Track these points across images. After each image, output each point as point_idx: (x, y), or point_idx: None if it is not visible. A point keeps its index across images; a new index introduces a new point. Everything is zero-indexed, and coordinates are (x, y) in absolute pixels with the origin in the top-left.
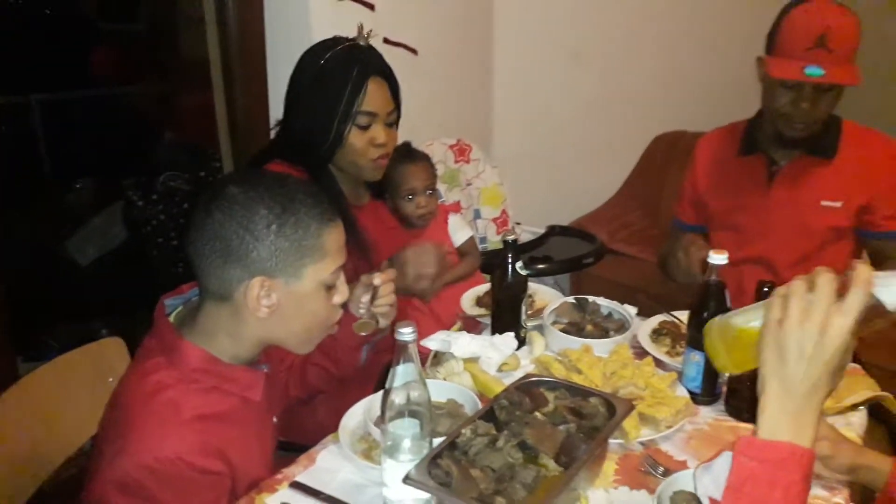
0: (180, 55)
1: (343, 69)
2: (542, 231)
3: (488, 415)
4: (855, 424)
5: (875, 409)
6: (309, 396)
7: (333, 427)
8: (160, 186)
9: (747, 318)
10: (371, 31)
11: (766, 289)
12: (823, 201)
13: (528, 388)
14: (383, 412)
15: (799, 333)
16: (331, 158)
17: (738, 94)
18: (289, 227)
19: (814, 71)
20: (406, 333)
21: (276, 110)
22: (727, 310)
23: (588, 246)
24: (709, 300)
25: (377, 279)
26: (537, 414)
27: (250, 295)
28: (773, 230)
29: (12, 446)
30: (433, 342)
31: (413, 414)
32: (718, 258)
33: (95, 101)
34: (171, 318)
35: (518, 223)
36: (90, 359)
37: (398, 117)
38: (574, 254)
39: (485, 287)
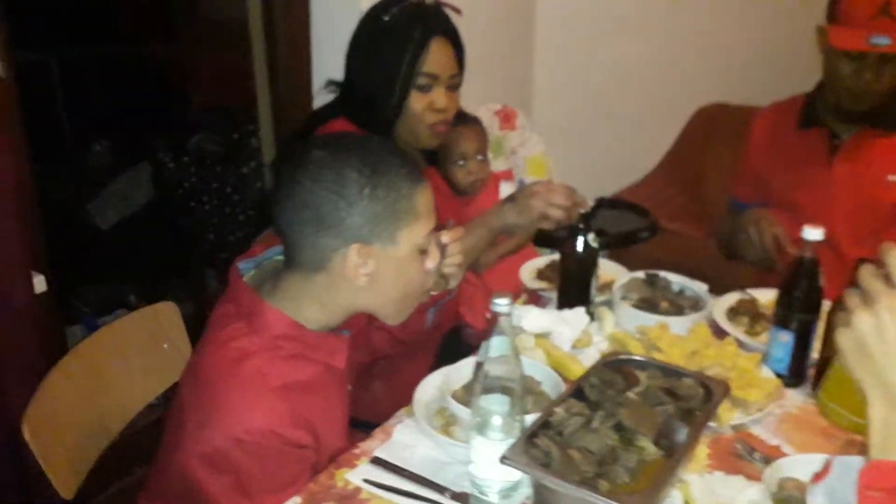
0: (212, 13)
1: (406, 27)
2: (590, 203)
3: (579, 393)
4: None
5: None
6: (372, 361)
7: (388, 401)
8: (192, 148)
9: None
10: None
11: (860, 263)
12: (890, 176)
13: (618, 367)
14: (475, 386)
15: (880, 332)
16: (394, 121)
17: (784, 67)
18: (381, 190)
19: (879, 40)
20: (501, 304)
21: (319, 71)
22: (820, 289)
23: (639, 219)
24: (801, 278)
25: (445, 237)
26: (630, 394)
27: (348, 263)
28: (835, 207)
29: (75, 412)
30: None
31: (505, 390)
32: (813, 233)
33: (119, 60)
34: (246, 282)
35: None
36: (145, 324)
37: (461, 82)
38: (625, 228)
39: (543, 260)
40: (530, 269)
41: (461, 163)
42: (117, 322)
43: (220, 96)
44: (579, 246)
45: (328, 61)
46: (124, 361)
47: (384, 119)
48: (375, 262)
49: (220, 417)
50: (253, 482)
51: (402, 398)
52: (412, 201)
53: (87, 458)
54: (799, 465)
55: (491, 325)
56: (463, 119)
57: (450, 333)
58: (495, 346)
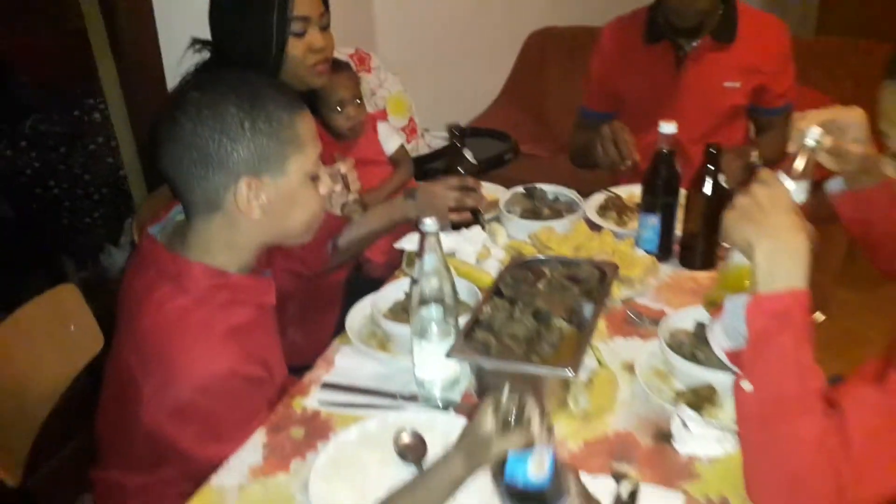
0: None
1: None
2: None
3: (498, 293)
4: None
5: None
6: (282, 305)
7: (306, 347)
8: (29, 132)
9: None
10: None
11: (712, 150)
12: (725, 83)
13: (524, 266)
14: (411, 300)
15: (755, 200)
16: (278, 72)
17: None
18: (262, 122)
19: None
20: (429, 225)
21: (165, 34)
22: (678, 175)
23: (501, 144)
24: (661, 167)
25: (343, 167)
26: (539, 286)
27: (240, 198)
28: (681, 112)
29: None
30: (407, 243)
31: (438, 300)
32: (668, 127)
33: None
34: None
35: (426, 129)
36: (48, 309)
37: (329, 21)
38: (492, 152)
39: None
40: (431, 223)
41: (339, 109)
42: (20, 311)
43: (52, 74)
44: (461, 163)
45: (174, 22)
46: (34, 348)
47: (266, 72)
48: (267, 194)
49: (180, 373)
50: (221, 423)
51: (318, 343)
52: (295, 129)
53: (21, 445)
54: (682, 318)
55: (421, 245)
56: (336, 66)
57: (352, 271)
58: (427, 262)
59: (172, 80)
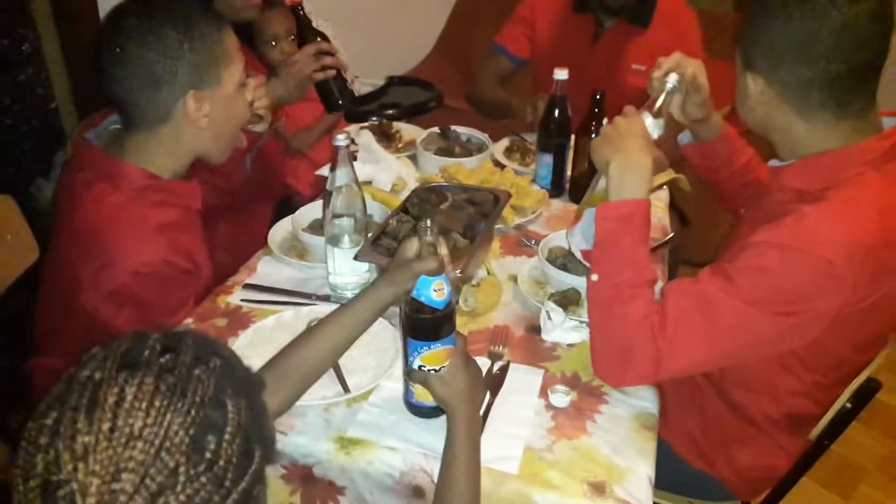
0: None
1: None
2: (381, 83)
3: (405, 210)
4: (662, 198)
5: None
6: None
7: (232, 264)
8: None
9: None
10: None
11: (597, 96)
12: (634, 65)
13: (431, 190)
14: (325, 211)
15: (615, 127)
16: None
17: None
18: (197, 41)
19: None
20: (340, 140)
21: None
22: (569, 118)
23: (426, 93)
24: (555, 110)
25: (252, 82)
26: (442, 206)
27: (189, 110)
28: (590, 84)
29: None
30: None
31: (350, 210)
32: (561, 74)
33: None
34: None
35: (357, 76)
36: None
37: None
38: (416, 100)
39: (352, 128)
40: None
41: (273, 44)
42: None
43: None
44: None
45: None
46: None
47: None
48: (210, 104)
49: (115, 259)
50: (152, 308)
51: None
52: (224, 44)
53: None
54: (558, 238)
55: (334, 159)
56: (270, 3)
57: (280, 202)
58: (339, 176)
59: (105, 11)
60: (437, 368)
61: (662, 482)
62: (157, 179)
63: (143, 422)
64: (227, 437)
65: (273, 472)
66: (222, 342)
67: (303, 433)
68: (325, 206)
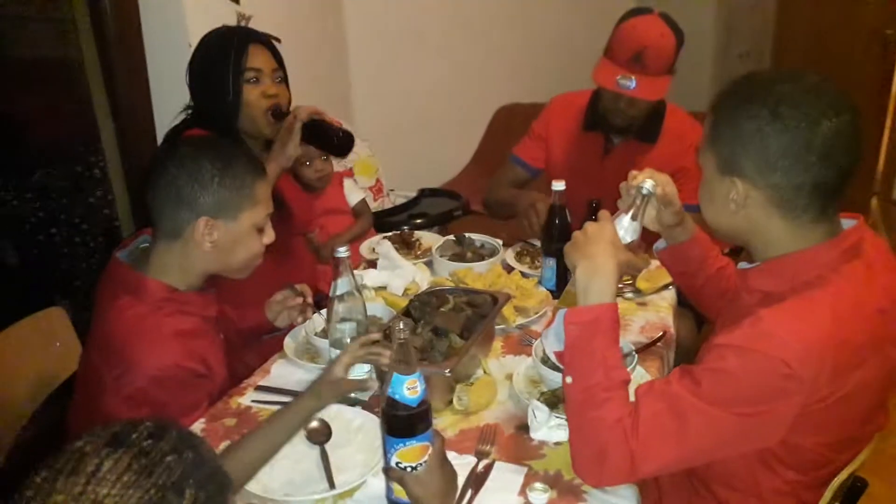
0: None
1: (227, 40)
2: (414, 194)
3: (407, 313)
4: (667, 297)
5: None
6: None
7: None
8: (35, 184)
9: None
10: (250, 16)
11: (594, 204)
12: None
13: (433, 293)
14: (329, 316)
15: (584, 233)
16: (236, 117)
17: (565, 69)
18: (228, 180)
19: (626, 83)
20: (342, 252)
21: (158, 102)
22: (569, 224)
23: (455, 203)
24: (556, 217)
25: (269, 230)
26: (442, 309)
27: (197, 232)
28: (604, 197)
29: None
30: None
31: (351, 317)
32: (559, 185)
33: None
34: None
35: (392, 189)
36: (35, 327)
37: (286, 76)
38: (443, 209)
39: (375, 238)
40: (367, 245)
41: (308, 163)
42: (13, 326)
43: (59, 133)
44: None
45: (165, 89)
46: (24, 358)
47: (227, 115)
48: (220, 234)
49: (135, 365)
50: (167, 409)
51: None
52: (253, 191)
53: (7, 437)
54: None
55: (335, 269)
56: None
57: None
58: (341, 284)
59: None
60: (414, 465)
61: None
62: (174, 292)
63: (108, 491)
64: None
65: None
66: (206, 443)
67: None
68: (329, 311)
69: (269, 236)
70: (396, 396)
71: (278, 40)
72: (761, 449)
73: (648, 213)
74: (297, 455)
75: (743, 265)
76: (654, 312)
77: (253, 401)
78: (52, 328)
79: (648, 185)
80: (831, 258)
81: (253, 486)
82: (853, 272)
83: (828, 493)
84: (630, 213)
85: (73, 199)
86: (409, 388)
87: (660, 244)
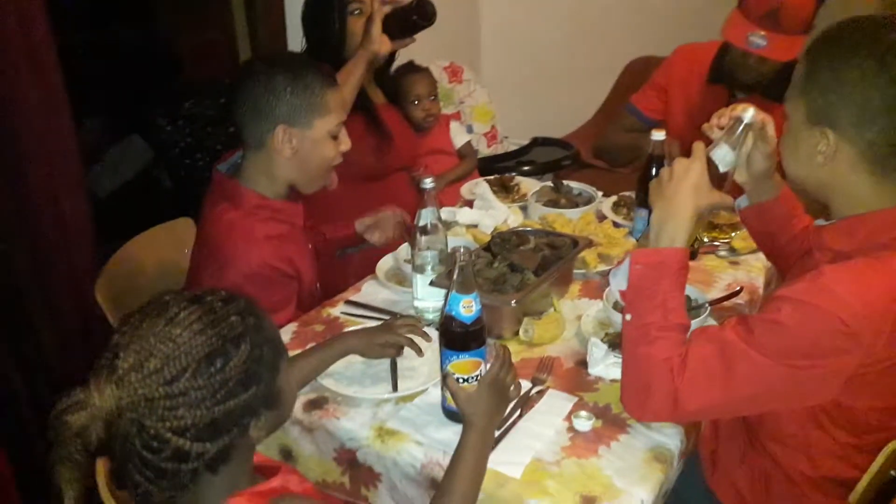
0: None
1: None
2: (526, 142)
3: (487, 248)
4: (762, 258)
5: None
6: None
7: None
8: (186, 113)
9: None
10: None
11: None
12: None
13: (514, 232)
14: (412, 244)
15: (670, 172)
16: (344, 47)
17: (701, 23)
18: (300, 89)
19: (757, 41)
20: (428, 183)
21: (293, 38)
22: None
23: (565, 152)
24: (651, 167)
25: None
26: (521, 247)
27: (276, 140)
28: None
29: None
30: (444, 213)
31: (433, 246)
32: (658, 135)
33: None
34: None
35: (506, 136)
36: (169, 233)
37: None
38: (550, 158)
39: (477, 181)
40: (467, 187)
41: (416, 102)
42: (147, 232)
43: (208, 67)
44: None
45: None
46: (158, 260)
47: (334, 46)
48: (297, 141)
49: (229, 262)
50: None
51: None
52: (324, 98)
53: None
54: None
55: (423, 200)
56: (416, 68)
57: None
58: (425, 214)
59: None
60: (466, 378)
61: None
62: (265, 200)
63: (180, 332)
64: (231, 365)
65: (327, 455)
66: (269, 318)
67: (352, 420)
68: (412, 240)
69: (346, 144)
70: (453, 313)
71: None
72: (813, 407)
73: (746, 146)
74: (371, 363)
75: (819, 222)
76: (745, 272)
77: (342, 312)
78: (183, 236)
79: (750, 113)
80: None
81: (326, 381)
82: None
83: (880, 458)
84: (729, 143)
85: (216, 128)
86: (465, 307)
87: (742, 201)
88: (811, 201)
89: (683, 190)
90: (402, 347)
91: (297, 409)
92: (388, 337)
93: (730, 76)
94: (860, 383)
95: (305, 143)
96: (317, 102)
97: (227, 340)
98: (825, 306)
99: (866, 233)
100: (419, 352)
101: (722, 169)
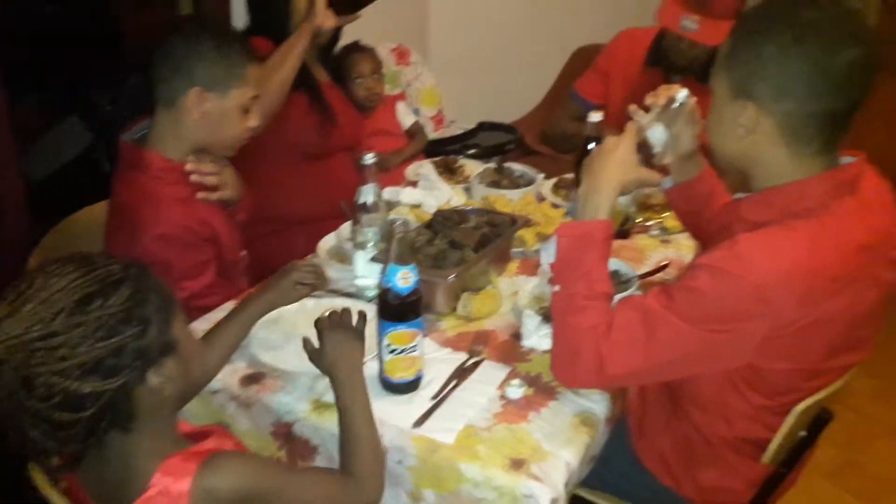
0: None
1: None
2: (472, 126)
3: (428, 226)
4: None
5: None
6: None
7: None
8: (128, 91)
9: None
10: None
11: None
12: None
13: (455, 210)
14: (354, 219)
15: (600, 148)
16: (288, 24)
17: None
18: (223, 55)
19: (689, 25)
20: (368, 158)
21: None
22: None
23: (510, 136)
24: (588, 149)
25: (255, 110)
26: (462, 225)
27: (189, 100)
28: None
29: None
30: (387, 193)
31: (374, 221)
32: (595, 116)
33: (44, 19)
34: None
35: (453, 120)
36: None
37: None
38: (495, 142)
39: (422, 162)
40: (412, 168)
41: (359, 80)
42: (82, 211)
43: (149, 46)
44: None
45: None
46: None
47: (279, 23)
48: (210, 105)
49: (141, 226)
50: (174, 269)
51: None
52: (244, 71)
53: None
54: None
55: (362, 176)
56: (360, 48)
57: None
58: (364, 192)
59: None
60: (403, 348)
61: (633, 495)
62: (172, 163)
63: (57, 280)
64: (110, 304)
65: (264, 430)
66: (156, 275)
67: (289, 394)
68: (354, 217)
69: (255, 119)
70: (390, 284)
71: None
72: (730, 371)
73: (676, 126)
74: (312, 333)
75: (738, 196)
76: (675, 250)
77: None
78: None
79: (683, 93)
80: (823, 191)
81: (264, 356)
82: (842, 207)
83: (790, 418)
84: (664, 122)
85: None
86: (402, 278)
87: (666, 182)
88: (733, 181)
89: (609, 165)
90: (312, 285)
91: (234, 383)
92: (294, 274)
93: (666, 59)
94: (772, 346)
95: (217, 109)
96: (237, 73)
97: (106, 284)
98: (738, 272)
99: (781, 203)
100: (324, 283)
101: (657, 148)
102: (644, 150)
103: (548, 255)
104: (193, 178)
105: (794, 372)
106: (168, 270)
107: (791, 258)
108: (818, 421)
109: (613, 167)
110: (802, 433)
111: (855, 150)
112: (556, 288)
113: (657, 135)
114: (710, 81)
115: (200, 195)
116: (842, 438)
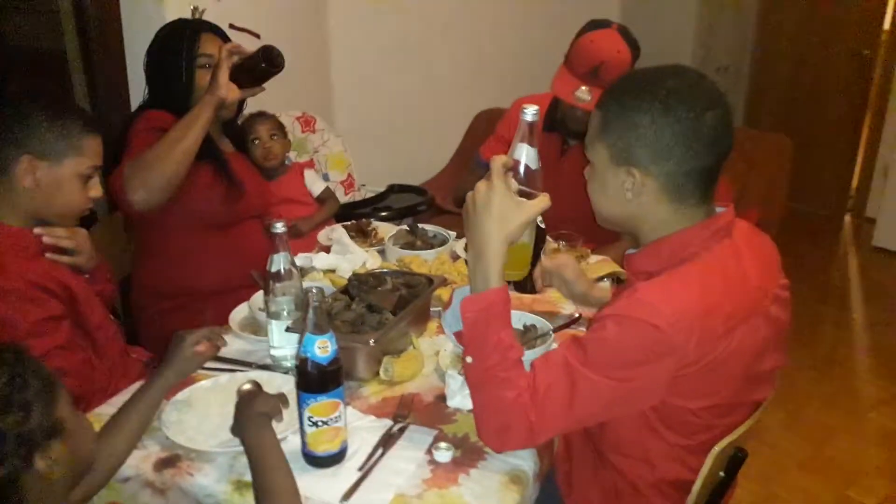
0: (24, 42)
1: (180, 30)
2: (382, 189)
3: (344, 291)
4: (605, 287)
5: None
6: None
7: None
8: None
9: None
10: (203, 9)
11: None
12: None
13: (371, 274)
14: (267, 289)
15: (473, 200)
16: (190, 99)
17: (541, 77)
18: (56, 129)
19: (582, 97)
20: (279, 227)
21: (136, 91)
22: None
23: (420, 198)
24: None
25: (96, 183)
26: (379, 288)
27: (19, 168)
28: (560, 197)
29: None
30: (300, 259)
31: (287, 291)
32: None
33: None
34: None
35: (363, 184)
36: None
37: None
38: (407, 204)
39: (334, 227)
40: (324, 233)
41: (256, 141)
42: None
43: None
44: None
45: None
46: None
47: (181, 97)
48: (42, 174)
49: None
50: (19, 328)
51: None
52: (80, 141)
53: None
54: None
55: (274, 245)
56: (260, 114)
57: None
58: (277, 260)
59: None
60: (325, 420)
61: None
62: (11, 229)
63: None
64: None
65: None
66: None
67: (208, 475)
68: (266, 286)
69: (97, 191)
70: (308, 354)
71: (257, 35)
72: (644, 413)
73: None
74: (226, 414)
75: (630, 251)
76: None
77: None
78: None
79: (532, 110)
80: (704, 237)
81: (178, 438)
82: (723, 249)
83: (709, 460)
84: (528, 142)
85: None
86: (320, 348)
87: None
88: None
89: (485, 225)
90: (212, 345)
91: (147, 469)
92: (188, 338)
93: (562, 125)
94: (681, 384)
95: (50, 178)
96: (72, 143)
97: None
98: (640, 316)
99: (669, 252)
100: (222, 342)
101: (534, 166)
102: (526, 174)
103: (450, 324)
104: (46, 239)
105: (706, 410)
106: (13, 329)
107: (686, 299)
108: (734, 460)
109: (491, 226)
110: (721, 474)
111: (725, 200)
112: (469, 359)
113: (524, 152)
114: (586, 151)
115: (49, 256)
116: (758, 473)
